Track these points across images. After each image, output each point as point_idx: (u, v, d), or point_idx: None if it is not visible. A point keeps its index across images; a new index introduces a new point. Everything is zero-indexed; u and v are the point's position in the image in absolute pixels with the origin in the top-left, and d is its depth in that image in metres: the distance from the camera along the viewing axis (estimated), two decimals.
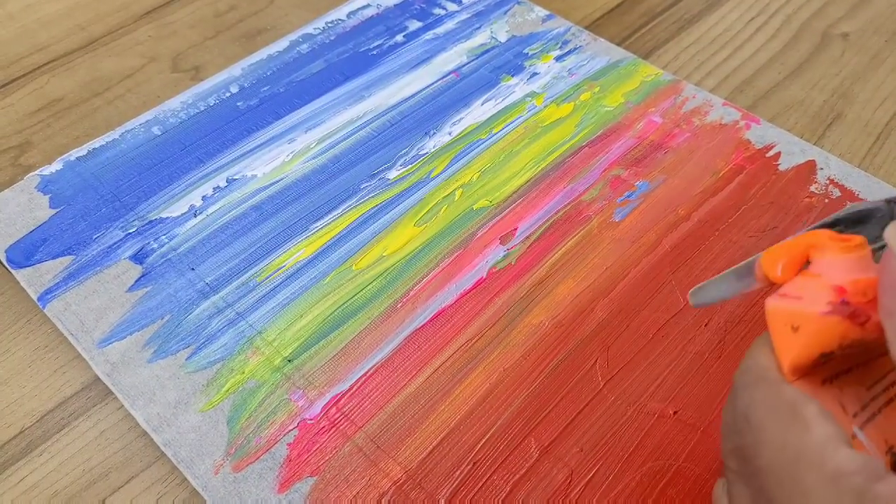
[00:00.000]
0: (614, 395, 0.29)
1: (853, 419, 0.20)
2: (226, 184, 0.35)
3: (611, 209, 0.35)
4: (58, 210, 0.34)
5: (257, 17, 0.46)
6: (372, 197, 0.35)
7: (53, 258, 0.32)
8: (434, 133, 0.38)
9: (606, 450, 0.27)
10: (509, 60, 0.42)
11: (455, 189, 0.35)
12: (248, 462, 0.26)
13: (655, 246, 0.33)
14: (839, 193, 0.36)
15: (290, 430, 0.27)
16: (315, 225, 0.34)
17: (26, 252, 0.32)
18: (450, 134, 0.38)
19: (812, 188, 0.36)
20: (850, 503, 0.17)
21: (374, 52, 0.42)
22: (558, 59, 0.42)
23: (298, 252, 0.33)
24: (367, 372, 0.29)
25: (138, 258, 0.32)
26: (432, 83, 0.40)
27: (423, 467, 0.27)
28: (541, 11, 0.45)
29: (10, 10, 0.46)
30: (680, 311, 0.31)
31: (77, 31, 0.45)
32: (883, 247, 0.20)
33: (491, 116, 0.39)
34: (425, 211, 0.35)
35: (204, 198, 0.35)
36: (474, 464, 0.27)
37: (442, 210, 0.35)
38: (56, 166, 0.36)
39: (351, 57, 0.42)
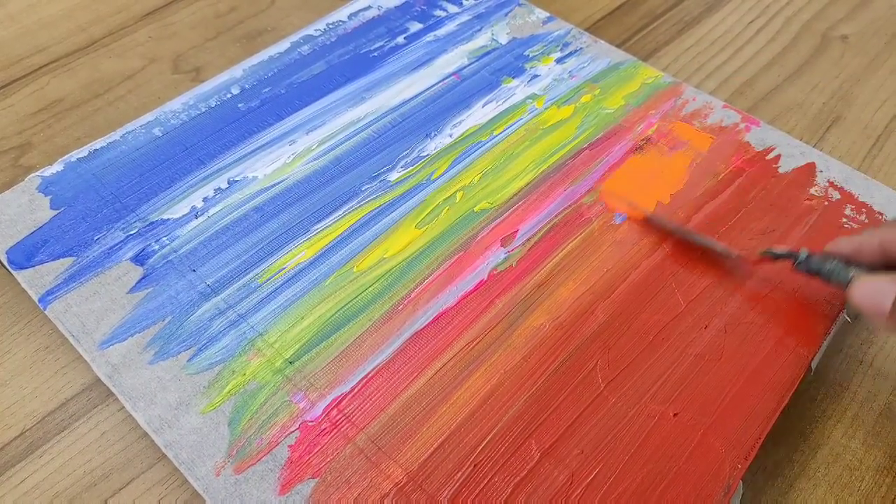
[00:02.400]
0: (615, 397, 0.29)
1: None
2: (227, 185, 0.35)
3: (611, 212, 0.35)
4: (59, 211, 0.34)
5: (258, 19, 0.46)
6: (373, 199, 0.35)
7: (54, 259, 0.32)
8: (435, 135, 0.38)
9: (607, 452, 0.27)
10: (510, 62, 0.42)
11: (456, 191, 0.36)
12: (249, 464, 0.26)
13: (655, 248, 0.33)
14: (838, 196, 0.36)
15: (291, 432, 0.27)
16: (316, 227, 0.34)
17: (27, 253, 0.32)
18: (451, 136, 0.38)
19: (812, 190, 0.36)
20: None
21: (375, 54, 0.42)
22: (559, 61, 0.42)
23: (300, 254, 0.33)
24: (368, 374, 0.29)
25: (139, 260, 0.32)
26: (433, 85, 0.40)
27: (425, 469, 0.27)
28: (541, 13, 0.45)
29: (11, 10, 0.46)
30: (680, 314, 0.31)
31: (77, 32, 0.45)
32: None
33: (492, 118, 0.39)
34: (426, 213, 0.35)
35: (205, 199, 0.35)
36: (475, 466, 0.27)
37: (443, 212, 0.35)
38: (57, 167, 0.36)
39: (352, 58, 0.42)
